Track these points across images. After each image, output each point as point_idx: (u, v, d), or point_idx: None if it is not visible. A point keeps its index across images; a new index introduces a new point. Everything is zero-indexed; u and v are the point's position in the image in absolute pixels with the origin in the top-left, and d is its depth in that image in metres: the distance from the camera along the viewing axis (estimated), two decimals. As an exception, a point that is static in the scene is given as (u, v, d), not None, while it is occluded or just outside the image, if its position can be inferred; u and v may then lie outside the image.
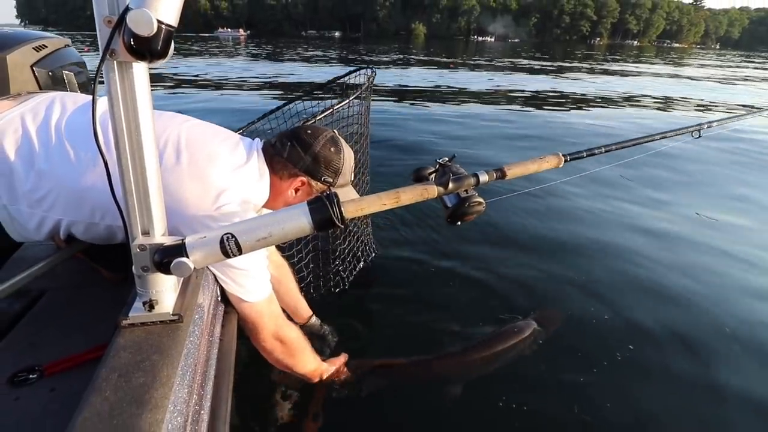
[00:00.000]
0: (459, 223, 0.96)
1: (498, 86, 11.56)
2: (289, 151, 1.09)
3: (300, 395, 1.45)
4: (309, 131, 1.12)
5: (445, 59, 21.95)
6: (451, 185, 0.91)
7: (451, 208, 0.94)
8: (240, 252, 0.75)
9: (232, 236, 0.74)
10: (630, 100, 9.97)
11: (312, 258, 2.03)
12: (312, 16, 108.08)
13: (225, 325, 1.10)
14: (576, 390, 1.56)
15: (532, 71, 15.98)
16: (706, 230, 3.04)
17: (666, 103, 9.75)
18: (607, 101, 9.56)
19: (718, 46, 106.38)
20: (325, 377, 1.34)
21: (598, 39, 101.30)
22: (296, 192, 1.12)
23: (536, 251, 2.61)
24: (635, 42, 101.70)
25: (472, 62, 19.59)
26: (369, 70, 2.09)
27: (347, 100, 1.82)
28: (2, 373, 0.87)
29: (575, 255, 2.58)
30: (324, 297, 2.04)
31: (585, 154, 1.08)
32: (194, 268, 0.74)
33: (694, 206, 3.47)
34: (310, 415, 1.43)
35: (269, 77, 12.11)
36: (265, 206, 1.12)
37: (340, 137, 1.15)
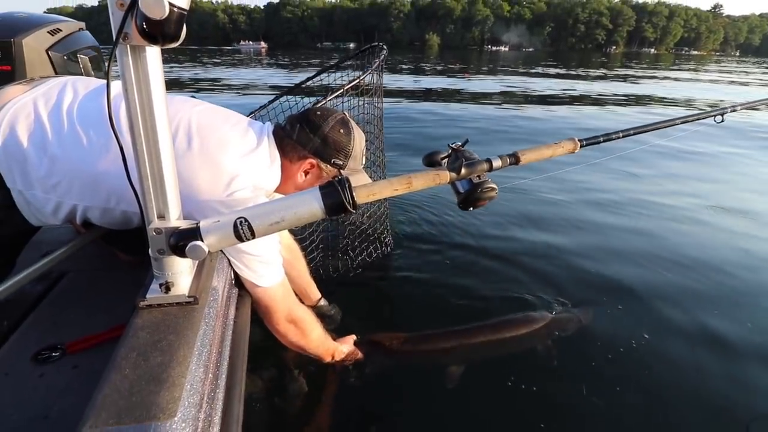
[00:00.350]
0: (471, 208, 0.95)
1: (511, 88, 11.45)
2: (299, 133, 1.08)
3: (313, 375, 1.49)
4: (318, 113, 1.11)
5: (459, 65, 21.50)
6: (463, 170, 0.90)
7: (463, 194, 0.93)
8: (253, 236, 0.76)
9: (246, 220, 0.75)
10: (650, 99, 9.73)
11: (322, 239, 2.05)
12: (327, 28, 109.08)
13: (239, 307, 1.12)
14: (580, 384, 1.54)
15: (547, 76, 15.52)
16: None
17: (687, 101, 9.53)
18: (627, 99, 9.36)
19: (738, 53, 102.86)
20: (337, 357, 1.37)
21: (614, 47, 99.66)
22: (306, 175, 1.12)
23: (563, 237, 2.58)
24: (652, 50, 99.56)
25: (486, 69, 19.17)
26: (381, 49, 2.06)
27: (361, 77, 1.80)
28: (27, 350, 0.90)
29: (595, 242, 2.55)
30: (333, 278, 2.06)
31: (602, 139, 1.06)
32: (208, 251, 0.75)
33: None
34: (323, 395, 1.47)
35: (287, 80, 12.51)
36: (276, 191, 1.13)
37: (351, 119, 1.14)
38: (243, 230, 0.75)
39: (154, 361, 0.66)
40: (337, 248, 2.23)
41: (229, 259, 1.02)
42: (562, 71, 20.36)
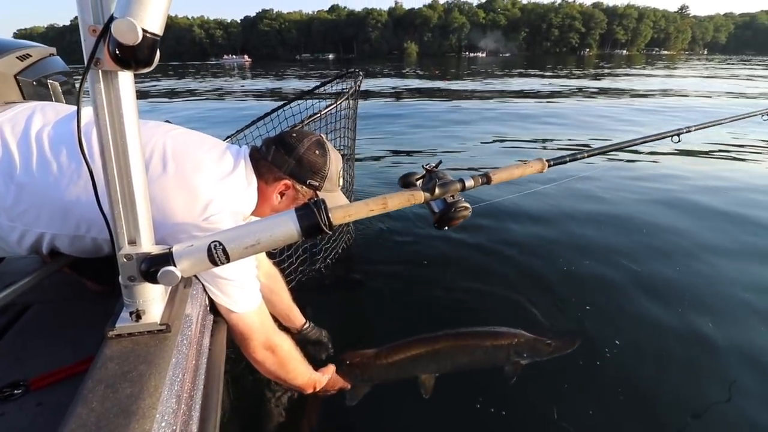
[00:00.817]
0: (446, 227, 0.97)
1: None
2: (274, 155, 1.08)
3: (293, 403, 1.45)
4: (294, 135, 1.12)
5: (437, 73, 22.21)
6: (437, 191, 0.92)
7: (438, 213, 0.95)
8: (228, 260, 0.75)
9: (220, 244, 0.74)
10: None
11: (302, 261, 2.05)
12: (306, 39, 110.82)
13: (214, 335, 1.09)
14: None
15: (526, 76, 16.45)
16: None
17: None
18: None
19: (705, 52, 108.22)
20: (318, 388, 1.32)
21: (588, 50, 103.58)
22: (281, 197, 1.11)
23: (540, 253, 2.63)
24: (624, 51, 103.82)
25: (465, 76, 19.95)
26: (357, 74, 2.11)
27: (337, 103, 1.83)
28: None
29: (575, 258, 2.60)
30: (315, 298, 2.04)
31: (568, 159, 1.10)
32: (182, 276, 0.73)
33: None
34: (303, 424, 1.42)
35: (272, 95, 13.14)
36: (253, 213, 1.12)
37: (327, 141, 1.15)
38: (217, 254, 0.74)
39: (123, 393, 0.64)
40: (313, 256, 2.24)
41: (203, 285, 1.00)
42: (546, 73, 21.25)
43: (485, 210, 2.86)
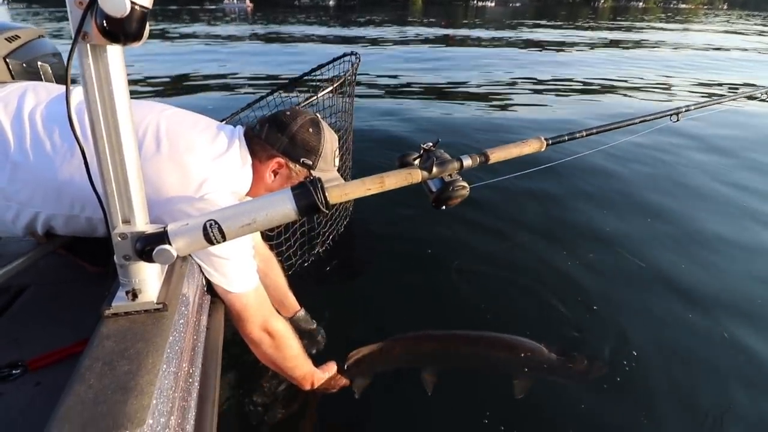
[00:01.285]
0: (444, 207, 0.97)
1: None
2: (267, 133, 1.07)
3: (291, 394, 1.42)
4: (288, 113, 1.11)
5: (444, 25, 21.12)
6: (435, 170, 0.92)
7: (435, 193, 0.94)
8: (224, 238, 0.75)
9: (216, 223, 0.74)
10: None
11: (300, 244, 2.03)
12: None
13: (211, 315, 1.10)
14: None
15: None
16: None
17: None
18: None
19: (725, 6, 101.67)
20: (317, 385, 1.30)
21: (602, 1, 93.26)
22: (275, 175, 1.10)
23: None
24: (640, 3, 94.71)
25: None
26: (353, 57, 2.08)
27: (330, 87, 1.80)
28: None
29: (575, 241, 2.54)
30: (313, 286, 2.04)
31: (567, 137, 1.10)
32: (177, 255, 0.73)
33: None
34: (303, 404, 1.42)
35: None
36: (249, 194, 1.11)
37: (322, 120, 1.14)
38: (213, 233, 0.74)
39: (121, 370, 0.64)
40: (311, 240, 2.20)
41: (199, 265, 1.00)
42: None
43: (490, 190, 2.76)
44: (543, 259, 2.31)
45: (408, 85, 7.15)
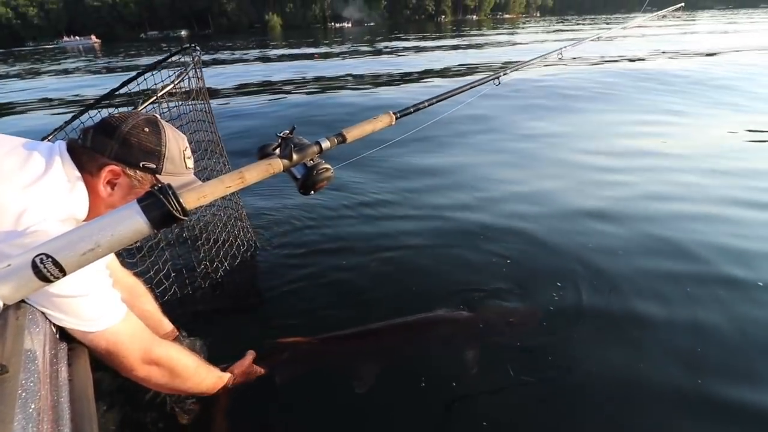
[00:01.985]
0: (312, 192, 0.97)
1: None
2: (93, 140, 0.93)
3: (203, 402, 1.28)
4: (117, 116, 0.98)
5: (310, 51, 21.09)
6: (295, 156, 0.91)
7: (300, 179, 0.95)
8: (63, 273, 0.65)
9: (48, 256, 0.63)
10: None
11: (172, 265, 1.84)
12: (150, 15, 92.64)
13: (73, 363, 0.95)
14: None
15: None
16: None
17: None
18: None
19: (538, 14, 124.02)
20: (230, 384, 1.22)
21: (443, 16, 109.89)
22: (111, 187, 0.95)
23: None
24: (474, 17, 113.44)
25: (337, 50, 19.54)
26: (194, 51, 1.91)
27: (174, 83, 1.63)
28: None
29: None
30: (195, 300, 1.88)
31: (412, 109, 1.19)
32: (3, 305, 0.61)
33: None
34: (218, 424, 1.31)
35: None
36: (89, 216, 0.95)
37: (159, 118, 1.02)
38: (47, 268, 0.63)
39: None
40: (192, 265, 2.02)
41: (42, 312, 0.85)
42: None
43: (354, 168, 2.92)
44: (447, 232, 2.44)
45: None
